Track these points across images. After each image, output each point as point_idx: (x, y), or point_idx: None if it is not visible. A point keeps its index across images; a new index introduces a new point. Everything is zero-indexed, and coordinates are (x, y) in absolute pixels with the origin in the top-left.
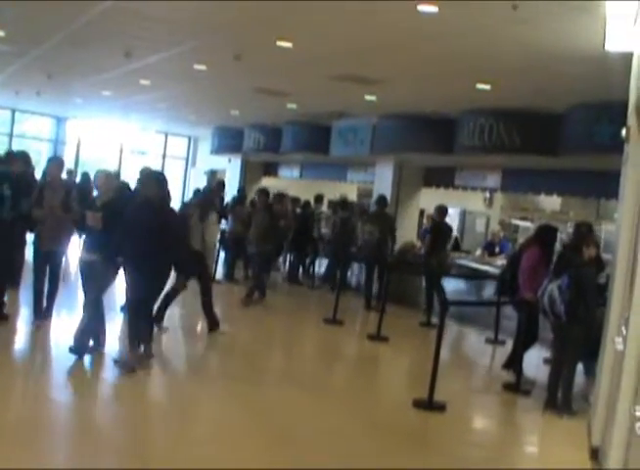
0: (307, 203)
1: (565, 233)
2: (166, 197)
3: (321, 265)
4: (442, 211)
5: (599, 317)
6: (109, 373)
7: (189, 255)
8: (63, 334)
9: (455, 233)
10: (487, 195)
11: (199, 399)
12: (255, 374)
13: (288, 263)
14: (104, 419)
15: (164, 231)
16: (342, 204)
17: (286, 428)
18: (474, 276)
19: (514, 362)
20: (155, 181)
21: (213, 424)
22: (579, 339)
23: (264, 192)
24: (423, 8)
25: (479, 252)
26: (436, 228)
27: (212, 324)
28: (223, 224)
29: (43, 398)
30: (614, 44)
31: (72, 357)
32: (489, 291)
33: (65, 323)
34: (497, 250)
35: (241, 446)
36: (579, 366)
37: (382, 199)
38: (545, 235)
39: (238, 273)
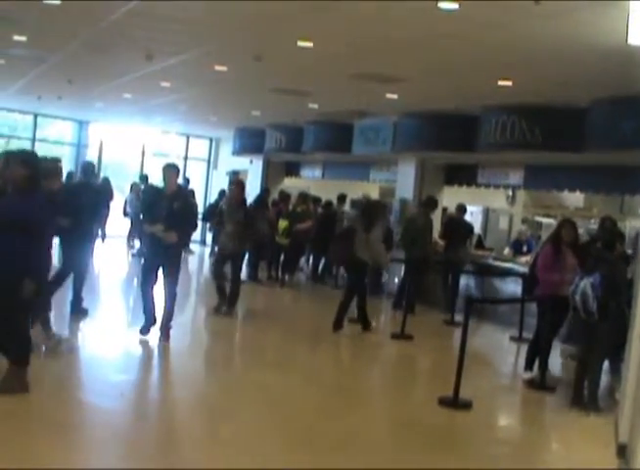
0: (329, 203)
1: (584, 229)
2: (34, 182)
3: None
4: (460, 208)
5: (627, 314)
6: None
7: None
8: None
9: (478, 231)
10: (510, 192)
11: (219, 395)
12: (277, 373)
13: (311, 263)
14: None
15: (20, 225)
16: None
17: (310, 428)
18: (496, 274)
19: (533, 361)
20: (19, 163)
21: (236, 423)
22: (608, 336)
23: (240, 185)
24: (444, 5)
25: (507, 250)
26: (449, 224)
27: (366, 326)
28: None
29: None
30: (637, 38)
31: None
32: (515, 289)
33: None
34: (525, 249)
35: (262, 445)
36: (605, 363)
37: (427, 200)
38: (558, 230)
39: (261, 274)
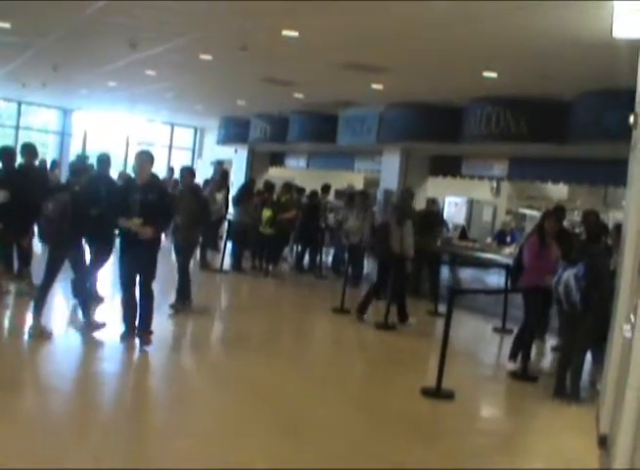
0: (314, 193)
1: (567, 221)
2: None
3: (328, 254)
4: (431, 201)
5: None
6: None
7: None
8: None
9: (462, 222)
10: (494, 184)
11: (205, 386)
12: (262, 363)
13: (295, 253)
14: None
15: None
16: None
17: (293, 417)
18: (479, 265)
19: (518, 352)
20: None
21: (217, 410)
22: (591, 327)
23: (190, 171)
24: None
25: (489, 240)
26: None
27: (403, 318)
28: (230, 215)
29: None
30: (621, 31)
31: None
32: (499, 280)
33: None
34: (509, 239)
35: (244, 432)
36: (588, 354)
37: (406, 193)
38: (542, 221)
39: (245, 263)
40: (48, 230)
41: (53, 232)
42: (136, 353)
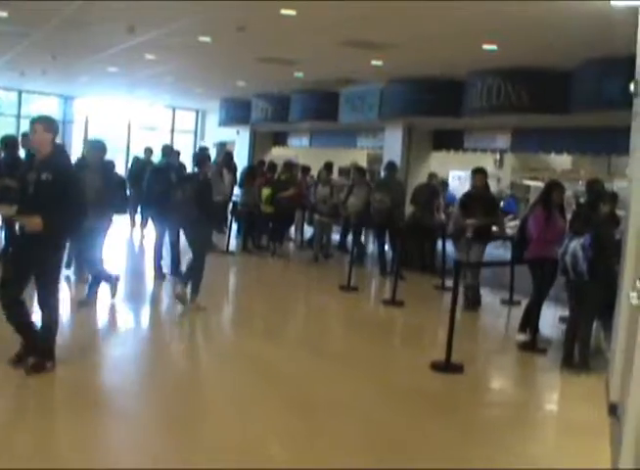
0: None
1: (571, 191)
2: None
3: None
4: (430, 176)
5: (616, 273)
6: None
7: None
8: None
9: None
10: (498, 156)
11: (215, 368)
12: (271, 341)
13: (301, 232)
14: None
15: None
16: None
17: (303, 394)
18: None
19: (528, 323)
20: None
21: (229, 390)
22: (598, 296)
23: (97, 145)
24: None
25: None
26: (417, 190)
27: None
28: (235, 196)
29: None
30: None
31: None
32: (505, 252)
33: None
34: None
35: (257, 413)
36: (596, 322)
37: (391, 165)
38: (546, 192)
39: (252, 244)
40: (177, 216)
41: (182, 218)
42: (145, 331)
